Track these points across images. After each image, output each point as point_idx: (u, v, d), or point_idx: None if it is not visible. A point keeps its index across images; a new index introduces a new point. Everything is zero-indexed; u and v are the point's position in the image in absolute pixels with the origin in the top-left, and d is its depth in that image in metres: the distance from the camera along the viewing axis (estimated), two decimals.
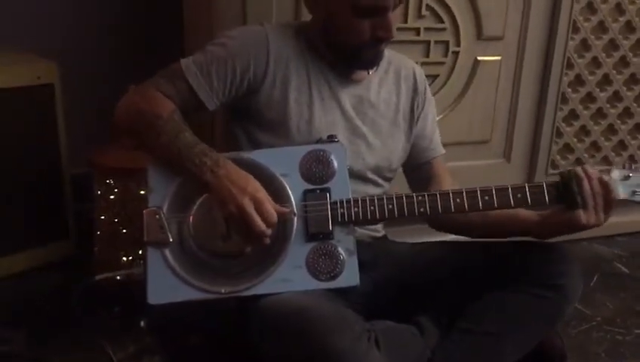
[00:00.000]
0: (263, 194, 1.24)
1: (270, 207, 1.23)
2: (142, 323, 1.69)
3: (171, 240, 1.28)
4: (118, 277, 1.72)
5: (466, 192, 1.28)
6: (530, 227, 1.37)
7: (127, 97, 1.34)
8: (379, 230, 1.50)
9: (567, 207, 1.28)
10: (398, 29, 1.35)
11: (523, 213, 1.37)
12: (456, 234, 1.50)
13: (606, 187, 1.27)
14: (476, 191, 1.28)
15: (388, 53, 1.43)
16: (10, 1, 2.20)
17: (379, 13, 1.30)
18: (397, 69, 1.50)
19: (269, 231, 1.23)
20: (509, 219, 1.39)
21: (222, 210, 1.24)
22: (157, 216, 1.28)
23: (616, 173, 1.28)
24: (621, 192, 1.28)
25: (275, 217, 1.23)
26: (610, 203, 1.27)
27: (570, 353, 1.59)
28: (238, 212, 1.22)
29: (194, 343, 1.59)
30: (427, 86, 1.55)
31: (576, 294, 1.32)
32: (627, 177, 1.28)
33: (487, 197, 1.28)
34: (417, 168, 1.53)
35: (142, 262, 1.43)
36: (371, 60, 1.40)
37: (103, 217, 1.86)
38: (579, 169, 1.28)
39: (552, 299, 1.30)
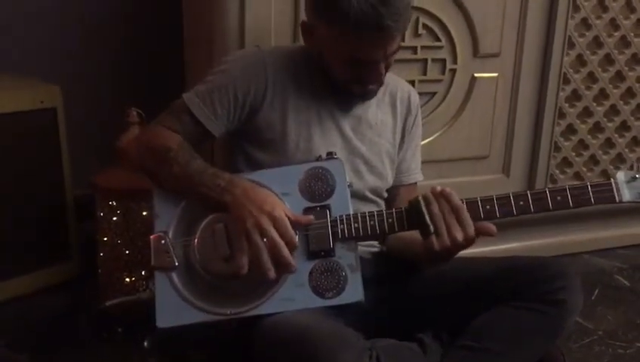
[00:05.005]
0: (280, 210, 1.25)
1: (287, 224, 1.24)
2: (145, 344, 1.69)
3: (177, 264, 1.29)
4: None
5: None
6: (421, 257, 1.34)
7: (136, 139, 1.38)
8: (375, 245, 1.51)
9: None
10: None
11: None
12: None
13: (449, 199, 1.24)
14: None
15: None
16: (12, 25, 2.23)
17: (369, 65, 1.32)
18: (393, 91, 1.52)
19: (286, 250, 1.24)
20: (405, 247, 1.40)
21: (240, 228, 1.25)
22: (162, 241, 1.30)
23: (622, 175, 1.26)
24: (627, 194, 1.25)
25: (290, 234, 1.24)
26: (461, 213, 1.23)
27: None
28: (257, 229, 1.23)
29: None
30: (419, 112, 1.56)
31: (577, 309, 1.33)
32: (634, 178, 1.25)
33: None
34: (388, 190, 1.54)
35: (144, 282, 1.44)
36: (362, 95, 1.41)
37: (105, 239, 1.87)
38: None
39: (552, 314, 1.30)
